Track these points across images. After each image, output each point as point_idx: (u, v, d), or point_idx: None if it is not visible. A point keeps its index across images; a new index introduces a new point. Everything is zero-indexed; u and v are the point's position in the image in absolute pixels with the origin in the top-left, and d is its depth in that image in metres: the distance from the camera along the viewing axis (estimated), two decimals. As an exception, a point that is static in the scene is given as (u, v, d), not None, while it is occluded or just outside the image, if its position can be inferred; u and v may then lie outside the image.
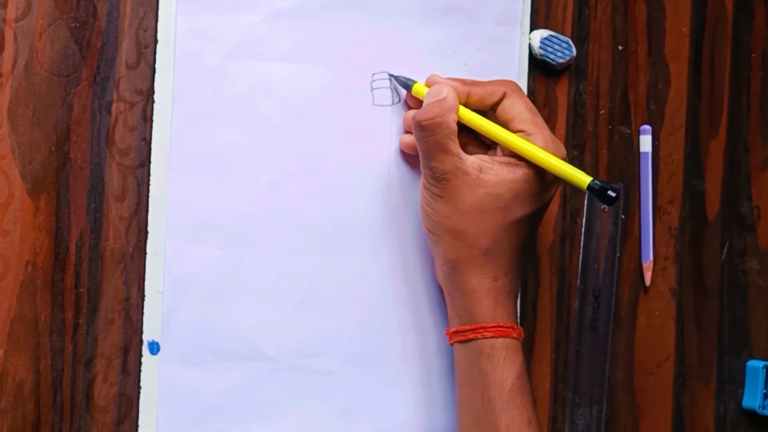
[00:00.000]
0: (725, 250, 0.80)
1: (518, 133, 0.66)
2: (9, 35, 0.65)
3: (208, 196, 0.68)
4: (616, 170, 0.77)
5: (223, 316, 0.68)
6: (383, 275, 0.71)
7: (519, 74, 0.74)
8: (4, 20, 0.65)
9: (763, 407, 0.79)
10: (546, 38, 0.74)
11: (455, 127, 0.65)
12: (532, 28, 0.75)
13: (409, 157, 0.71)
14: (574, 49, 0.75)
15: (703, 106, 0.80)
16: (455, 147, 0.65)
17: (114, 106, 0.67)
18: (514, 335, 0.65)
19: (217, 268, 0.68)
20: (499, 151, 0.68)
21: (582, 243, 0.76)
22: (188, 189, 0.68)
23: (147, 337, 0.67)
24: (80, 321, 0.67)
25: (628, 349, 0.78)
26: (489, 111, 0.68)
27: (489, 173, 0.65)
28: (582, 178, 0.65)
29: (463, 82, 0.68)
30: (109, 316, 0.67)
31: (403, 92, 0.71)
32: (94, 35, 0.67)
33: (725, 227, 0.80)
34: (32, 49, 0.66)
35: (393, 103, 0.71)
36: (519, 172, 0.65)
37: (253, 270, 0.69)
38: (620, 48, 0.78)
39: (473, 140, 0.69)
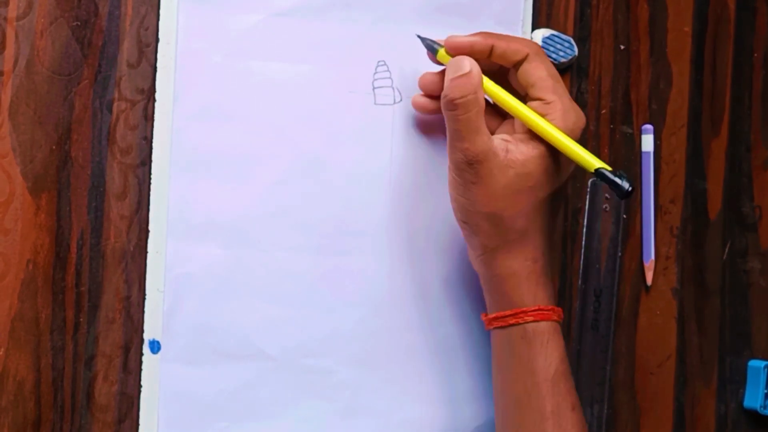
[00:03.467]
0: (727, 250, 0.80)
1: (537, 101, 0.65)
2: (10, 34, 0.65)
3: (209, 195, 0.68)
4: (618, 170, 0.77)
5: (224, 315, 0.68)
6: (384, 274, 0.71)
7: (521, 73, 0.74)
8: (5, 19, 0.65)
9: (764, 407, 0.79)
10: (548, 37, 0.74)
11: (484, 105, 0.64)
12: (534, 27, 0.75)
13: (421, 124, 0.71)
14: (575, 49, 0.75)
15: (705, 106, 0.80)
16: (485, 126, 0.64)
17: (115, 104, 0.67)
18: (555, 317, 0.65)
19: (218, 267, 0.68)
20: (516, 125, 0.67)
21: (583, 242, 0.76)
22: (189, 188, 0.68)
23: (148, 335, 0.67)
24: (81, 320, 0.67)
25: (629, 349, 0.78)
26: (511, 69, 0.67)
27: (515, 152, 0.64)
28: (590, 162, 0.64)
29: (485, 35, 0.66)
30: (110, 315, 0.67)
31: (404, 90, 0.71)
32: (95, 34, 0.67)
33: (727, 227, 0.80)
34: (33, 47, 0.66)
35: (395, 102, 0.71)
36: (543, 147, 0.64)
37: (254, 269, 0.69)
38: (622, 47, 0.78)
39: (487, 114, 0.67)
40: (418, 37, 0.68)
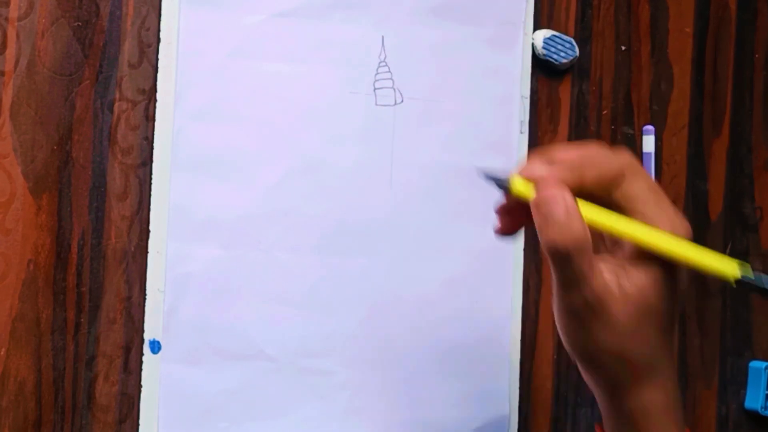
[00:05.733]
0: (728, 251, 0.80)
1: (639, 216, 0.55)
2: (11, 34, 0.65)
3: (209, 196, 0.68)
4: (758, 270, 0.76)
5: (225, 315, 0.68)
6: (384, 275, 0.71)
7: (522, 74, 0.74)
8: (6, 19, 0.65)
9: (765, 408, 0.79)
10: (549, 38, 0.74)
11: (591, 245, 0.54)
12: (535, 28, 0.75)
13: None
14: (577, 49, 0.75)
15: (706, 107, 0.80)
16: (596, 265, 0.54)
17: (116, 105, 0.67)
18: None
19: (218, 267, 0.68)
20: (622, 244, 0.57)
21: (584, 243, 0.76)
22: (190, 188, 0.68)
23: (148, 336, 0.67)
24: (82, 320, 0.67)
25: (630, 350, 0.78)
26: (601, 192, 0.57)
27: (628, 282, 0.55)
28: (730, 272, 0.55)
29: (570, 167, 0.55)
30: (111, 315, 0.67)
31: (405, 91, 0.71)
32: (96, 34, 0.67)
33: (728, 228, 0.80)
34: (35, 48, 0.66)
35: (395, 103, 0.71)
36: (657, 270, 0.55)
37: (254, 269, 0.69)
38: (623, 48, 0.77)
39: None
40: (483, 175, 0.56)
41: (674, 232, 0.55)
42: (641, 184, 0.56)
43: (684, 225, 0.56)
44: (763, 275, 0.55)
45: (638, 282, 0.55)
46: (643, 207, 0.56)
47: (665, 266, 0.55)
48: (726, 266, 0.55)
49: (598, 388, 0.59)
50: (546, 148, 0.58)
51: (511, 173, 0.55)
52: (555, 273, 0.55)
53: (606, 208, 0.56)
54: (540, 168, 0.55)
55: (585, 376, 0.59)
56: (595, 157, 0.56)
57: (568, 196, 0.54)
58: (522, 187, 0.54)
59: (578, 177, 0.55)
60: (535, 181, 0.55)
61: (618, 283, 0.55)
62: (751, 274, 0.55)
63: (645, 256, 0.55)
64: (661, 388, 0.57)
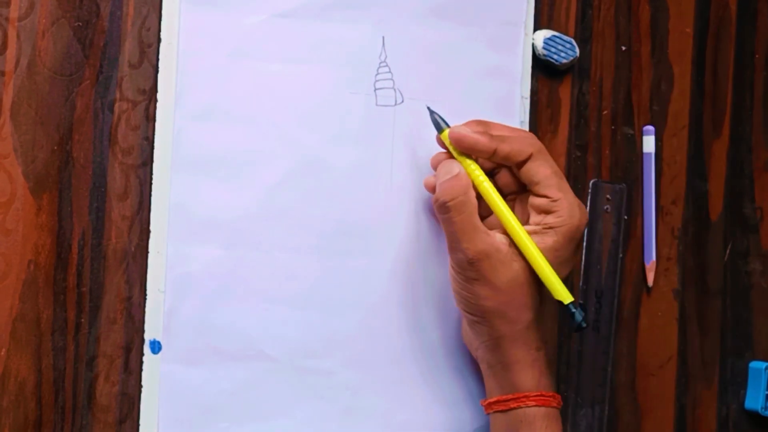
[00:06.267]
0: (728, 251, 0.80)
1: (542, 198, 0.65)
2: (12, 34, 0.65)
3: (210, 196, 0.68)
4: (619, 171, 0.77)
5: (225, 315, 0.68)
6: (385, 276, 0.71)
7: (522, 75, 0.74)
8: (6, 19, 0.65)
9: (766, 408, 0.79)
10: (549, 38, 0.74)
11: (476, 203, 0.65)
12: (536, 28, 0.75)
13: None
14: (577, 50, 0.75)
15: (707, 107, 0.80)
16: (481, 224, 0.64)
17: (117, 105, 0.67)
18: (555, 404, 0.65)
19: (218, 267, 0.68)
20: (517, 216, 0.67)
21: (585, 243, 0.76)
22: (190, 188, 0.68)
23: (149, 336, 0.67)
24: (82, 320, 0.67)
25: (631, 350, 0.78)
26: (514, 168, 0.67)
27: (512, 258, 0.65)
28: (564, 296, 0.64)
29: (489, 135, 0.65)
30: (111, 316, 0.67)
31: (406, 91, 0.71)
32: (97, 34, 0.67)
33: (728, 228, 0.80)
34: (35, 48, 0.66)
35: (396, 104, 0.71)
36: (549, 241, 0.65)
37: (254, 270, 0.69)
38: (623, 48, 0.77)
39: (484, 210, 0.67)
40: (428, 109, 0.68)
41: (570, 216, 0.64)
42: (546, 167, 0.65)
43: (580, 212, 0.65)
44: (578, 311, 0.64)
45: (516, 265, 0.64)
46: (546, 190, 0.65)
47: (557, 241, 0.65)
48: (562, 292, 0.64)
49: (479, 340, 0.67)
50: (486, 121, 0.67)
51: (450, 126, 0.66)
52: (445, 228, 0.65)
53: (501, 196, 0.66)
54: (465, 130, 0.66)
55: (469, 327, 0.67)
56: (509, 134, 0.66)
57: (462, 168, 0.65)
58: (447, 140, 0.67)
59: (493, 147, 0.65)
60: (455, 139, 0.66)
61: (508, 243, 0.64)
62: (573, 309, 0.64)
63: (539, 228, 0.65)
64: (533, 345, 0.65)
